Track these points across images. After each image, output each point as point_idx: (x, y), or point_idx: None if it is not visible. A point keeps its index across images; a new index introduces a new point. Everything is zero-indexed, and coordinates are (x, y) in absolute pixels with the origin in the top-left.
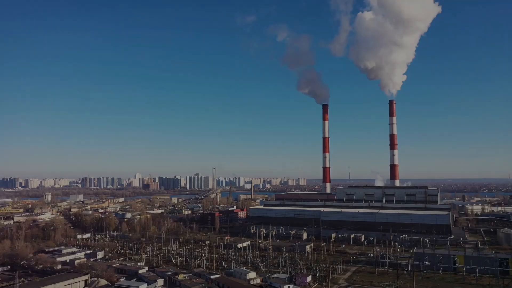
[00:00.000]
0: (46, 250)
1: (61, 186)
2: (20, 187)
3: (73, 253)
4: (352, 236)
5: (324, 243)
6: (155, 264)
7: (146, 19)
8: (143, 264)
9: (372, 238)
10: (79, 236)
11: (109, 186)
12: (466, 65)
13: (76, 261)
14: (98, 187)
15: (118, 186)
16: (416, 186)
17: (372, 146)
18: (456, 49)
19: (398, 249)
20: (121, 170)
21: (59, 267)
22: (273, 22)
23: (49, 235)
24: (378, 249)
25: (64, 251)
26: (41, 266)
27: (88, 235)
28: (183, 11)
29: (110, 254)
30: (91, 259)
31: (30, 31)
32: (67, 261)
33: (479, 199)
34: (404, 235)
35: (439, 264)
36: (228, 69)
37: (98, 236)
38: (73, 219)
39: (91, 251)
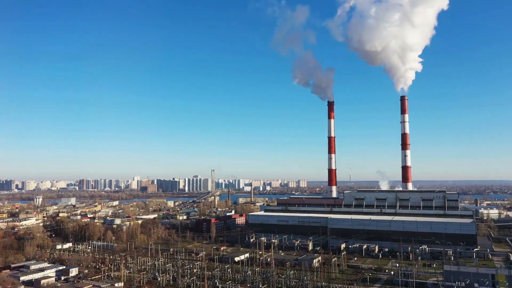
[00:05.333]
0: (13, 265)
1: (58, 188)
2: (16, 189)
3: (42, 269)
4: (365, 246)
5: (335, 257)
6: (137, 284)
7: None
8: (122, 285)
9: (386, 249)
10: (58, 247)
11: (107, 189)
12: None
13: (43, 281)
14: (96, 190)
15: (116, 188)
16: (433, 190)
17: (373, 146)
18: (461, 48)
19: (419, 263)
20: (119, 172)
21: None
22: None
23: (24, 245)
24: (397, 264)
25: (32, 267)
26: None
27: (68, 245)
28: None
29: (86, 271)
30: (62, 277)
31: (26, 31)
32: (33, 280)
33: (489, 202)
34: (423, 246)
35: (475, 284)
36: (227, 69)
37: (80, 246)
38: (55, 226)
39: (64, 267)
